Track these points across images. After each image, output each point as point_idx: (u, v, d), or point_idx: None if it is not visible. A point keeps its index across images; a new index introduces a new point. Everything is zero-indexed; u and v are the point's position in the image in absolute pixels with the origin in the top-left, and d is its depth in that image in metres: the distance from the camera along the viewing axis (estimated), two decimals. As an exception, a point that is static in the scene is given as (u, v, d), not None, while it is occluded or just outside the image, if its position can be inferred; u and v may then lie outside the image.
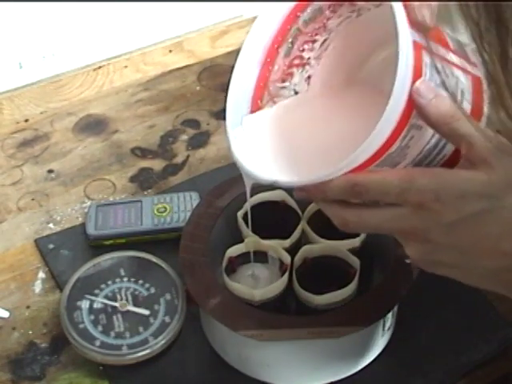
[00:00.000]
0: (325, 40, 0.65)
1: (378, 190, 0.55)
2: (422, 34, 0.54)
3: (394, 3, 0.53)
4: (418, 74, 0.53)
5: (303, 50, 0.65)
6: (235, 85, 0.64)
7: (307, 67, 0.66)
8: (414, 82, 0.53)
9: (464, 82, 0.58)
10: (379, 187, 0.54)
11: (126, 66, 1.08)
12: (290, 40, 0.64)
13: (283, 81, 0.66)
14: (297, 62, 0.65)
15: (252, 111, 0.65)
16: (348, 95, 0.66)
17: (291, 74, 0.66)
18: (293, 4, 0.62)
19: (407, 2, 0.53)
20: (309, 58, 0.66)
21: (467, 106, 0.58)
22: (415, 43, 0.53)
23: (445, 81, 0.55)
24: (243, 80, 0.64)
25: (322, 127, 0.64)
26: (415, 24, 0.53)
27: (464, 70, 0.59)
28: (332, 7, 0.61)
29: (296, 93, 0.67)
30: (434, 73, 0.54)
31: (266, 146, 0.63)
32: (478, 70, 0.59)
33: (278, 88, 0.66)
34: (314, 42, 0.65)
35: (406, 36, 0.52)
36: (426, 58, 0.54)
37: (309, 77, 0.67)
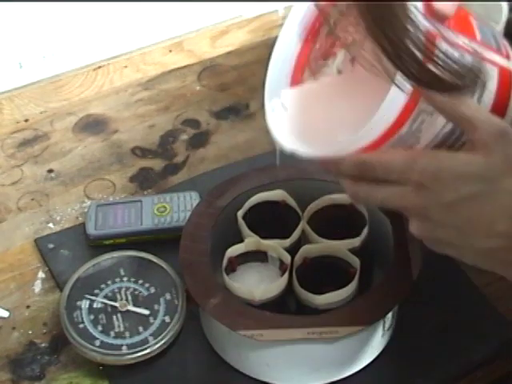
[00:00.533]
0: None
1: (383, 168, 0.59)
2: (439, 22, 0.55)
3: None
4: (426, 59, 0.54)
5: (347, 32, 0.64)
6: (276, 59, 0.65)
7: (351, 47, 0.65)
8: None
9: (488, 73, 0.58)
10: (384, 166, 0.58)
11: (125, 66, 1.08)
12: (331, 21, 0.63)
13: (325, 59, 0.66)
14: (340, 43, 0.65)
15: (291, 85, 0.66)
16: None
17: (334, 54, 0.66)
18: None
19: None
20: (353, 40, 0.65)
21: (489, 96, 0.58)
22: (427, 33, 0.53)
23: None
24: (284, 55, 0.65)
25: (352, 105, 0.64)
26: (432, 12, 0.55)
27: (489, 61, 0.58)
28: None
29: (339, 72, 0.66)
30: (448, 60, 0.55)
31: (299, 120, 0.65)
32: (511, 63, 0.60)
33: (320, 65, 0.66)
34: (359, 24, 0.64)
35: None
36: (441, 46, 0.54)
37: (353, 59, 0.66)
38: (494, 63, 0.59)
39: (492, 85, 0.59)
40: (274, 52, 0.65)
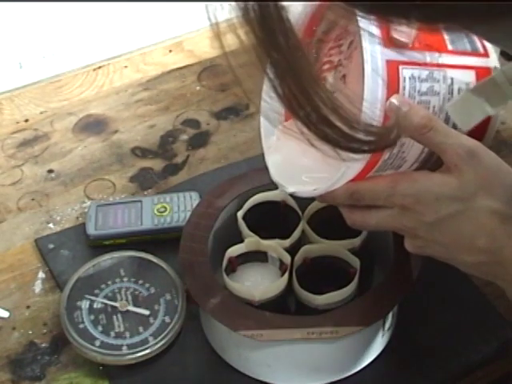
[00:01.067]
0: (351, 41, 0.65)
1: (370, 195, 0.62)
2: (401, 49, 0.57)
3: (361, 33, 0.55)
4: (392, 89, 0.57)
5: (331, 55, 0.66)
6: (266, 98, 0.65)
7: (339, 68, 0.66)
8: (388, 97, 0.57)
9: (464, 78, 0.60)
10: (371, 193, 0.62)
11: (125, 66, 1.08)
12: (313, 51, 0.65)
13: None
14: (327, 66, 0.67)
15: (286, 120, 0.67)
16: None
17: (324, 79, 0.67)
18: (306, 20, 0.63)
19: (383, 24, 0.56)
20: (339, 60, 0.66)
21: None
22: (389, 62, 0.57)
23: (433, 86, 0.59)
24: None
25: None
26: (391, 43, 0.57)
27: (464, 67, 0.60)
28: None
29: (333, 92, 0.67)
30: (417, 83, 0.58)
31: (292, 155, 0.66)
32: (491, 60, 0.61)
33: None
34: (340, 46, 0.65)
35: (370, 62, 0.56)
36: (406, 72, 0.58)
37: (344, 76, 0.67)
38: (469, 67, 0.61)
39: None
40: (263, 91, 0.64)
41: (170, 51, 1.10)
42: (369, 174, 0.61)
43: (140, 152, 0.98)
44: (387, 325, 0.75)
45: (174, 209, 0.87)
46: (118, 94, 1.05)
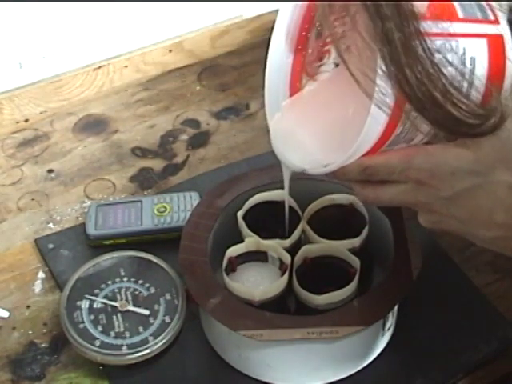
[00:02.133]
0: (354, 13, 0.64)
1: (384, 170, 0.60)
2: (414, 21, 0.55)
3: None
4: None
5: (335, 27, 0.64)
6: (270, 76, 0.65)
7: (343, 40, 0.65)
8: None
9: (475, 48, 0.58)
10: (385, 168, 0.60)
11: (126, 66, 1.08)
12: (317, 24, 0.63)
13: (321, 59, 0.66)
14: (331, 39, 0.65)
15: (291, 95, 0.66)
16: None
17: (328, 51, 0.66)
18: None
19: None
20: (343, 31, 0.65)
21: (481, 71, 0.58)
22: None
23: (444, 58, 0.57)
24: (277, 70, 0.65)
25: (346, 105, 0.64)
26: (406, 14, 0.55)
27: (475, 35, 0.59)
28: None
29: (337, 65, 0.66)
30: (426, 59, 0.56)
31: (302, 131, 0.65)
32: (502, 27, 0.60)
33: (317, 67, 0.66)
34: (343, 17, 0.64)
35: None
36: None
37: (348, 47, 0.66)
38: (480, 35, 0.59)
39: (483, 57, 0.59)
40: (267, 70, 0.65)
41: (170, 51, 1.10)
42: (381, 148, 0.60)
43: (140, 152, 0.98)
44: (387, 325, 0.75)
45: (174, 209, 0.87)
46: (117, 94, 1.05)
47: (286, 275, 0.73)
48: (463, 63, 0.58)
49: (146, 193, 0.93)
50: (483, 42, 0.60)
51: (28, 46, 1.02)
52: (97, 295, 0.78)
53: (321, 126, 0.65)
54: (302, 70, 0.66)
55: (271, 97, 0.66)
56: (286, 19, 0.63)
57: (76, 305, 0.78)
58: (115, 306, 0.77)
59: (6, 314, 0.81)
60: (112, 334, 0.76)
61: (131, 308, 0.77)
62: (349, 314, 0.70)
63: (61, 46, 1.05)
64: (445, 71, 0.55)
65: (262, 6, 1.13)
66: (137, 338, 0.75)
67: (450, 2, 0.59)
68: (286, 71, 0.66)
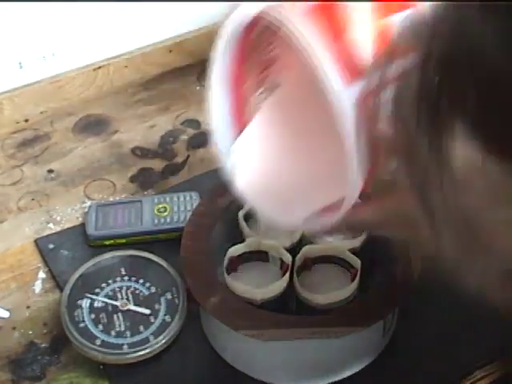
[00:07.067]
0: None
1: None
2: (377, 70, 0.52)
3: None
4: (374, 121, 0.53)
5: (270, 52, 0.62)
6: (215, 122, 0.63)
7: (269, 79, 0.63)
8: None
9: None
10: None
11: (126, 66, 1.08)
12: (251, 57, 0.61)
13: (260, 86, 0.63)
14: (266, 64, 0.63)
15: (240, 132, 0.64)
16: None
17: (267, 75, 0.64)
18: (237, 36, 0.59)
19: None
20: (277, 54, 0.63)
21: None
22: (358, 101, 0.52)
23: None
24: (219, 114, 0.62)
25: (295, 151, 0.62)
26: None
27: None
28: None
29: (274, 89, 0.64)
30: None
31: (262, 174, 0.63)
32: None
33: (259, 95, 0.64)
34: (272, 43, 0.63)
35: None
36: (384, 93, 0.52)
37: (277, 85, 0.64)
38: None
39: None
40: (211, 118, 0.63)
41: (171, 51, 1.10)
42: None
43: (140, 152, 0.98)
44: (387, 325, 0.75)
45: (173, 209, 0.87)
46: (117, 94, 1.05)
47: (287, 275, 0.73)
48: None
49: (146, 193, 0.93)
50: None
51: (28, 45, 1.02)
52: (97, 294, 0.78)
53: (284, 171, 0.63)
54: (245, 104, 0.63)
55: (221, 143, 0.64)
56: (220, 62, 0.60)
57: (77, 304, 0.78)
58: (116, 305, 0.77)
59: (6, 314, 0.81)
60: (113, 333, 0.76)
61: (132, 307, 0.77)
62: (349, 314, 0.70)
63: (61, 45, 1.05)
64: None
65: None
66: (137, 338, 0.75)
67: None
68: (228, 112, 0.63)
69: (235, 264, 0.76)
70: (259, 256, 0.76)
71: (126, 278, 0.80)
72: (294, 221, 0.62)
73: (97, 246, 0.85)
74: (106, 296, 0.78)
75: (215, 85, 0.61)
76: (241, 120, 0.64)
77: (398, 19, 0.52)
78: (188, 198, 0.88)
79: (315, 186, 0.61)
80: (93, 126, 1.01)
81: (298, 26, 0.51)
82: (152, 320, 0.76)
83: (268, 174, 0.62)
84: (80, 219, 0.90)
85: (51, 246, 0.87)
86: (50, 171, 0.96)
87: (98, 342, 0.75)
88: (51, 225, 0.90)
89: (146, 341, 0.75)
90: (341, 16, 0.52)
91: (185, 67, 1.09)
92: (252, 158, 0.63)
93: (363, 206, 0.59)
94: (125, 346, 0.75)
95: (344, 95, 0.51)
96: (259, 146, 0.64)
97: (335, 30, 0.52)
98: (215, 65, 0.60)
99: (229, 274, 0.74)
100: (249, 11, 0.55)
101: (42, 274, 0.85)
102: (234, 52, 0.59)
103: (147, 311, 0.77)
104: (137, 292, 0.78)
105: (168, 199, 0.88)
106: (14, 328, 0.80)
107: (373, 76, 0.49)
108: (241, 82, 0.62)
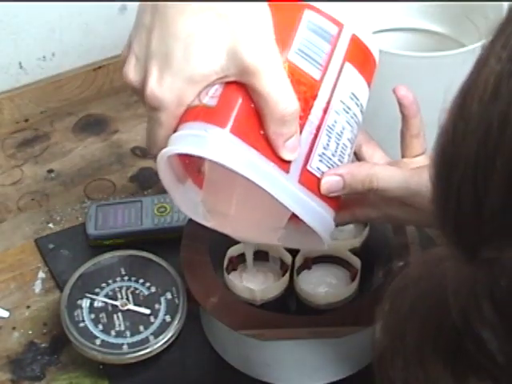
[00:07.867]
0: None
1: None
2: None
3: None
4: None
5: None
6: (179, 203, 0.66)
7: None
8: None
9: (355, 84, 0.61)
10: None
11: (126, 66, 1.08)
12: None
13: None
14: None
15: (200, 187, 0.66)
16: None
17: None
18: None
19: None
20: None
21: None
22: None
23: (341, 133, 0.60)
24: (182, 198, 0.66)
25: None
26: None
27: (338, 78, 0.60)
28: None
29: None
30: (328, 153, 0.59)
31: (225, 214, 0.66)
32: (347, 29, 0.60)
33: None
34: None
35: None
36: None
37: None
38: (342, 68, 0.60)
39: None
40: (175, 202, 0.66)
41: (170, 52, 1.10)
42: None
43: (140, 152, 0.98)
44: (387, 325, 0.75)
45: (174, 209, 0.87)
46: (117, 93, 1.05)
47: (287, 275, 0.73)
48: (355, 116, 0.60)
49: (146, 193, 0.93)
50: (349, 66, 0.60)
51: (28, 46, 1.02)
52: (97, 294, 0.78)
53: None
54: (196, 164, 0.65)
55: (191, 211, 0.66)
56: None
57: (76, 303, 0.77)
58: (116, 305, 0.77)
59: (6, 314, 0.81)
60: (112, 332, 0.75)
61: (132, 307, 0.77)
62: (349, 314, 0.70)
63: (61, 45, 1.05)
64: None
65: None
66: (137, 337, 0.75)
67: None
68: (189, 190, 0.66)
69: (235, 264, 0.76)
70: (259, 256, 0.76)
71: (126, 277, 0.80)
72: (273, 241, 0.66)
73: (97, 245, 0.85)
74: (106, 296, 0.78)
75: (169, 188, 0.65)
76: (199, 177, 0.65)
77: None
78: (188, 198, 0.88)
79: (270, 213, 0.63)
80: (93, 125, 1.01)
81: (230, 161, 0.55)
82: (152, 320, 0.76)
83: (232, 214, 0.66)
84: (80, 219, 0.90)
85: (51, 246, 0.87)
86: (50, 171, 0.96)
87: (98, 342, 0.75)
88: (51, 225, 0.90)
89: (145, 341, 0.75)
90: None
91: (185, 67, 1.08)
92: (215, 204, 0.66)
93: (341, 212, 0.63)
94: (125, 346, 0.75)
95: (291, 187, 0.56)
96: (216, 194, 0.66)
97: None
98: (163, 181, 0.63)
99: (229, 273, 0.74)
100: (172, 152, 0.58)
101: (41, 274, 0.85)
102: (175, 161, 0.61)
103: (147, 311, 0.77)
104: (137, 292, 0.78)
105: (168, 199, 0.88)
106: (13, 328, 0.80)
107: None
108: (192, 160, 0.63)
